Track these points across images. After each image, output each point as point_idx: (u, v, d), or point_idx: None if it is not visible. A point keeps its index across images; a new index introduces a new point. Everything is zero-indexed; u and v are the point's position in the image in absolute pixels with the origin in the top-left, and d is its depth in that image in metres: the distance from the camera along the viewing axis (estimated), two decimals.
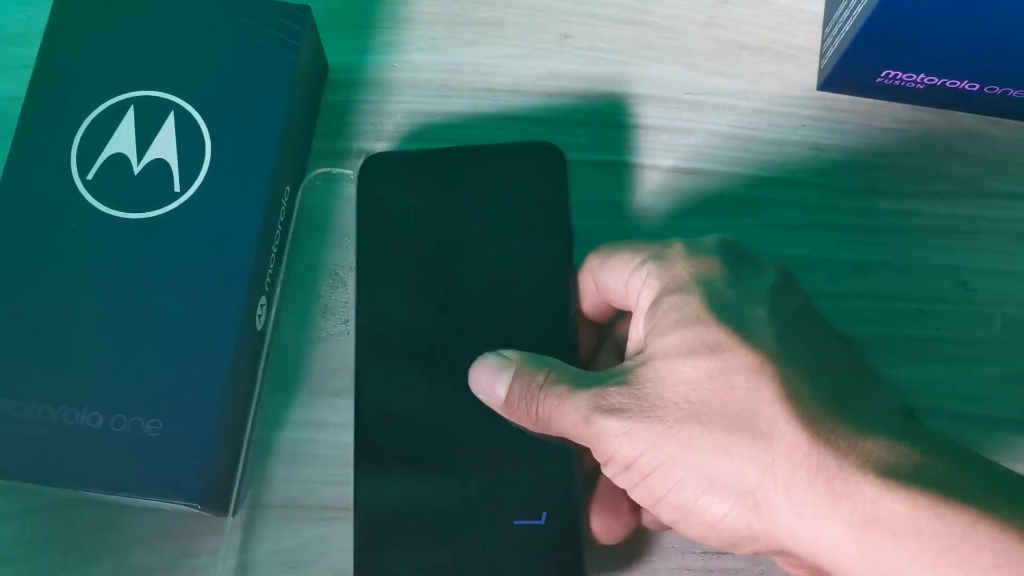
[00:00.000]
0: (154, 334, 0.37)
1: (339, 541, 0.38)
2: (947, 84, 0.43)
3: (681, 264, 0.34)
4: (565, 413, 0.34)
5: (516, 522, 0.37)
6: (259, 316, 0.40)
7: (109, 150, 0.39)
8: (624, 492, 0.34)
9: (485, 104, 0.45)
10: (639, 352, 0.34)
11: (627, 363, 0.34)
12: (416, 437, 0.38)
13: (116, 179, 0.39)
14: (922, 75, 0.43)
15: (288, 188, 0.42)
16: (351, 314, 0.42)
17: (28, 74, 0.40)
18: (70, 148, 0.39)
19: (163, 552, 0.39)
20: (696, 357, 0.32)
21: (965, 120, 0.45)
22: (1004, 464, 0.31)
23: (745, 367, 0.31)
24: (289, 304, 0.42)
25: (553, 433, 0.35)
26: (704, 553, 0.40)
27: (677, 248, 0.35)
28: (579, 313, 0.39)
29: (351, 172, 0.42)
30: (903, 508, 0.28)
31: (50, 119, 0.39)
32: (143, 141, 0.39)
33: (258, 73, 0.40)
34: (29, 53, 0.40)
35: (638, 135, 0.45)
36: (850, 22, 0.42)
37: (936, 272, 0.43)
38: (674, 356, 0.32)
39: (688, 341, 0.32)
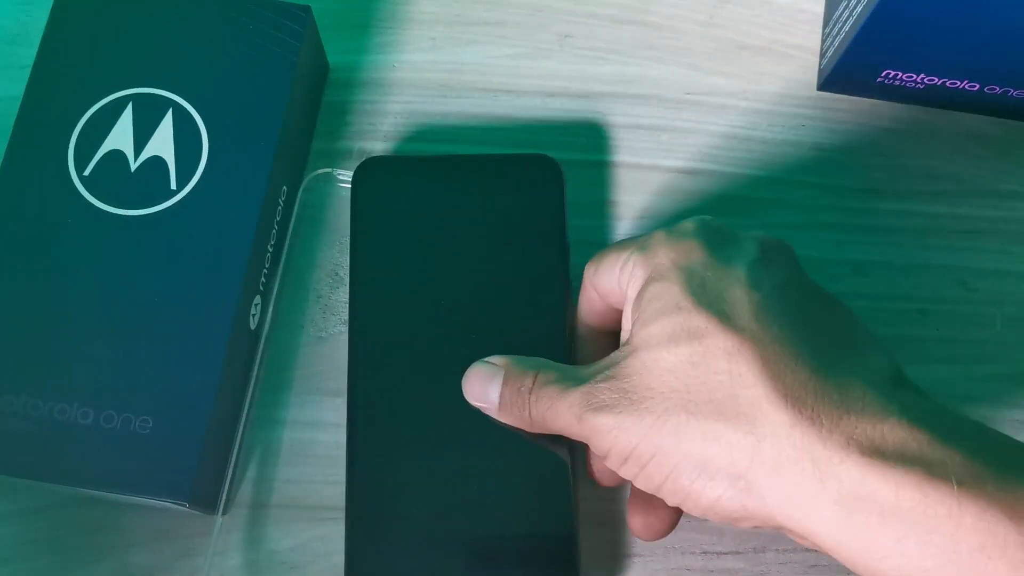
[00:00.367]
0: (147, 331, 0.37)
1: (339, 541, 0.38)
2: (947, 84, 0.43)
3: (662, 252, 0.34)
4: (558, 413, 0.34)
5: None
6: (253, 315, 0.40)
7: (106, 147, 0.39)
8: None
9: (485, 104, 0.45)
10: (627, 343, 0.34)
11: (615, 355, 0.34)
12: (409, 441, 0.38)
13: (113, 176, 0.39)
14: (922, 75, 0.43)
15: (286, 188, 0.42)
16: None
17: (28, 74, 0.40)
18: (67, 143, 0.39)
19: (162, 552, 0.39)
20: (678, 345, 0.32)
21: (965, 120, 0.45)
22: None
23: (725, 351, 0.31)
24: (288, 304, 0.42)
25: (549, 432, 0.35)
26: (704, 553, 0.40)
27: (658, 237, 0.35)
28: (590, 324, 0.39)
29: (350, 173, 0.42)
30: (887, 488, 0.28)
31: (48, 114, 0.39)
32: (140, 138, 0.39)
33: (257, 72, 0.40)
34: (29, 53, 0.41)
35: (638, 135, 0.45)
36: (850, 22, 0.42)
37: (936, 272, 0.43)
38: (657, 345, 0.32)
39: (669, 329, 0.32)
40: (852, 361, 0.32)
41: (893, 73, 0.43)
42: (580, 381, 0.34)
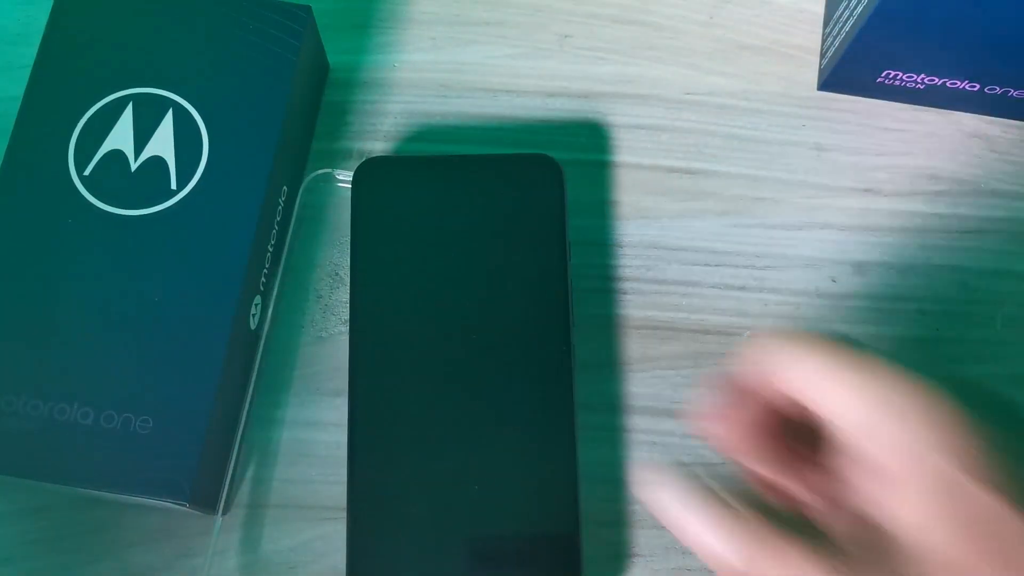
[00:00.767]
0: (147, 331, 0.37)
1: (339, 541, 0.38)
2: (947, 84, 0.43)
3: (920, 414, 0.27)
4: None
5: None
6: (253, 315, 0.40)
7: (107, 146, 0.39)
8: None
9: (485, 104, 0.45)
10: (874, 526, 0.27)
11: (861, 533, 0.27)
12: (411, 440, 0.38)
13: (113, 175, 0.39)
14: (922, 75, 0.43)
15: (286, 188, 0.42)
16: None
17: (28, 74, 0.40)
18: (68, 143, 0.39)
19: (162, 552, 0.39)
20: (964, 533, 0.25)
21: (965, 120, 0.45)
22: None
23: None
24: (288, 304, 0.42)
25: None
26: None
27: (912, 391, 0.27)
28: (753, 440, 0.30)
29: (350, 173, 0.42)
30: None
31: (49, 114, 0.39)
32: (141, 138, 0.39)
33: (258, 72, 0.40)
34: (29, 53, 0.41)
35: (638, 135, 0.45)
36: (850, 22, 0.42)
37: (936, 272, 0.43)
38: (934, 532, 0.26)
39: (950, 512, 0.26)
40: None
41: (893, 73, 0.43)
42: (823, 555, 0.27)
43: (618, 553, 0.40)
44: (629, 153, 0.45)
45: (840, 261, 0.43)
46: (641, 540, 0.40)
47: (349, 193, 0.41)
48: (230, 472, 0.39)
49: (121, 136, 0.39)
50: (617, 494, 0.40)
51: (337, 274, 0.43)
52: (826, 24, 0.46)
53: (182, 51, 0.40)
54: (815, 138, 0.45)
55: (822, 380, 0.28)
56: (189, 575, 0.39)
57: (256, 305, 0.40)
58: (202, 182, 0.39)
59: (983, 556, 0.25)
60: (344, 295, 0.42)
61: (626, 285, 0.43)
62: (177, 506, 0.36)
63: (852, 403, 0.27)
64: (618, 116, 0.45)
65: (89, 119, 0.39)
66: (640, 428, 0.41)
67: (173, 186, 0.39)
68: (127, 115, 0.39)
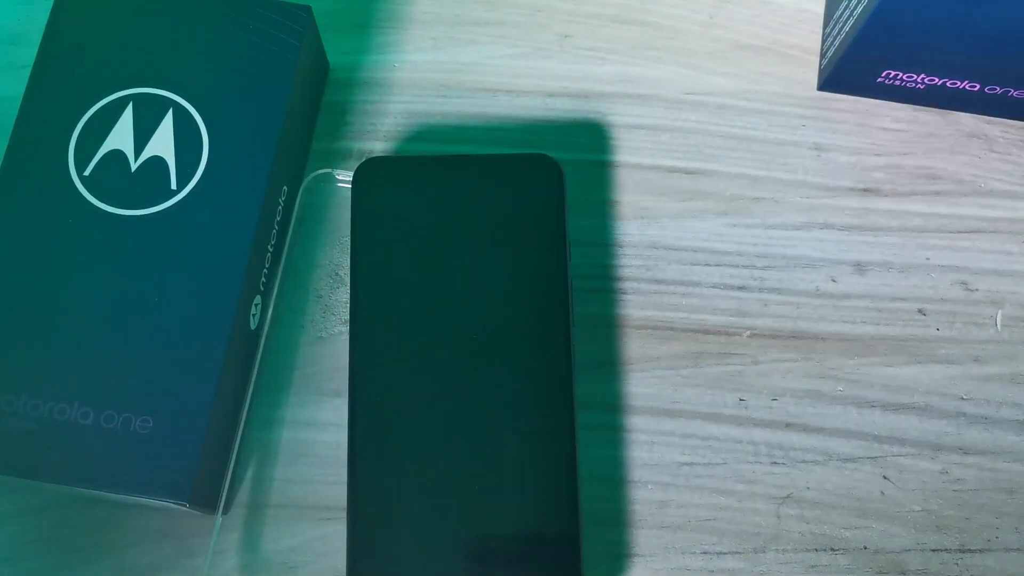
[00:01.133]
0: (147, 331, 0.37)
1: (339, 541, 0.38)
2: (947, 84, 0.43)
3: None
4: None
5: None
6: (253, 315, 0.40)
7: (107, 146, 0.39)
8: None
9: (485, 104, 0.45)
10: None
11: None
12: (411, 440, 0.38)
13: (113, 175, 0.39)
14: (922, 75, 0.43)
15: (286, 188, 0.42)
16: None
17: (28, 74, 0.40)
18: (68, 143, 0.39)
19: (162, 552, 0.39)
20: None
21: (965, 120, 0.45)
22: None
23: None
24: (288, 304, 0.42)
25: None
26: (704, 553, 0.40)
27: None
28: None
29: (350, 173, 0.42)
30: None
31: (49, 114, 0.39)
32: (141, 138, 0.39)
33: (258, 73, 0.40)
34: (29, 53, 0.41)
35: (638, 135, 0.45)
36: (850, 22, 0.42)
37: (936, 272, 0.43)
38: None
39: None
40: None
41: (893, 73, 0.43)
42: None
43: (618, 553, 0.40)
44: (629, 153, 0.45)
45: (840, 261, 0.43)
46: (641, 540, 0.40)
47: (349, 193, 0.41)
48: (230, 472, 0.39)
49: (121, 136, 0.39)
50: (617, 494, 0.40)
51: (337, 274, 0.43)
52: (826, 24, 0.46)
53: (182, 51, 0.40)
54: (815, 138, 0.45)
55: None
56: (189, 575, 0.39)
57: (256, 305, 0.40)
58: (202, 182, 0.39)
59: None
60: (344, 295, 0.42)
61: (626, 285, 0.43)
62: (177, 506, 0.36)
63: None
64: (618, 116, 0.45)
65: (89, 119, 0.39)
66: (640, 428, 0.41)
67: (173, 186, 0.39)
68: (127, 115, 0.39)
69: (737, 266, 0.43)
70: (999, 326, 0.43)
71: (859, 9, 0.41)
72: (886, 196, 0.44)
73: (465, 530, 0.37)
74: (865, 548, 0.40)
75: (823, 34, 0.46)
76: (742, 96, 0.45)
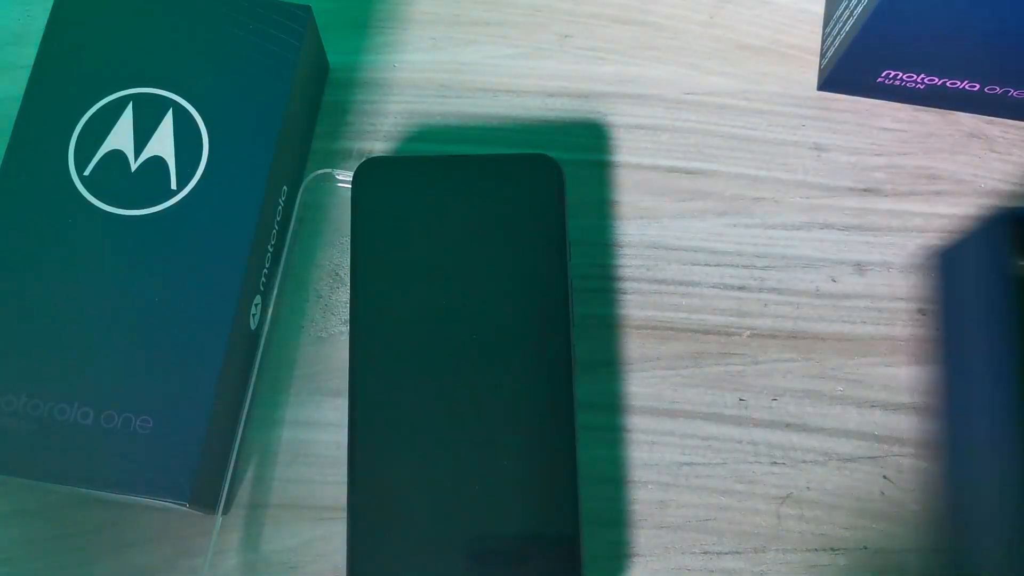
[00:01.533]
0: (147, 331, 0.37)
1: (339, 541, 0.38)
2: (947, 84, 0.43)
3: None
4: None
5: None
6: (253, 315, 0.40)
7: (107, 147, 0.39)
8: None
9: (485, 104, 0.45)
10: None
11: None
12: (411, 440, 0.38)
13: (113, 175, 0.39)
14: (922, 75, 0.43)
15: (286, 188, 0.42)
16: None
17: (28, 74, 0.40)
18: (67, 143, 0.39)
19: (162, 552, 0.39)
20: None
21: (965, 120, 0.45)
22: None
23: None
24: (288, 304, 0.42)
25: None
26: (704, 553, 0.40)
27: None
28: None
29: (350, 173, 0.42)
30: None
31: (49, 114, 0.39)
32: (141, 138, 0.39)
33: (257, 72, 0.40)
34: (29, 53, 0.41)
35: (638, 135, 0.45)
36: (850, 22, 0.42)
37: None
38: None
39: None
40: None
41: (893, 73, 0.43)
42: None
43: (618, 553, 0.40)
44: (629, 153, 0.45)
45: (840, 261, 0.43)
46: (641, 540, 0.40)
47: (349, 193, 0.41)
48: (230, 472, 0.39)
49: (121, 136, 0.39)
50: (617, 494, 0.40)
51: (337, 274, 0.43)
52: (826, 24, 0.46)
53: (182, 51, 0.40)
54: (815, 138, 0.45)
55: None
56: (189, 575, 0.39)
57: (256, 305, 0.40)
58: (202, 182, 0.39)
59: None
60: (344, 295, 0.42)
61: (626, 285, 0.43)
62: (177, 506, 0.36)
63: None
64: (618, 116, 0.45)
65: (89, 119, 0.39)
66: (640, 428, 0.41)
67: (173, 186, 0.39)
68: (127, 115, 0.39)
69: (737, 266, 0.43)
70: None
71: (859, 9, 0.41)
72: (886, 196, 0.44)
73: (465, 530, 0.37)
74: (865, 548, 0.40)
75: (823, 34, 0.46)
76: (742, 96, 0.45)
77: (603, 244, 0.43)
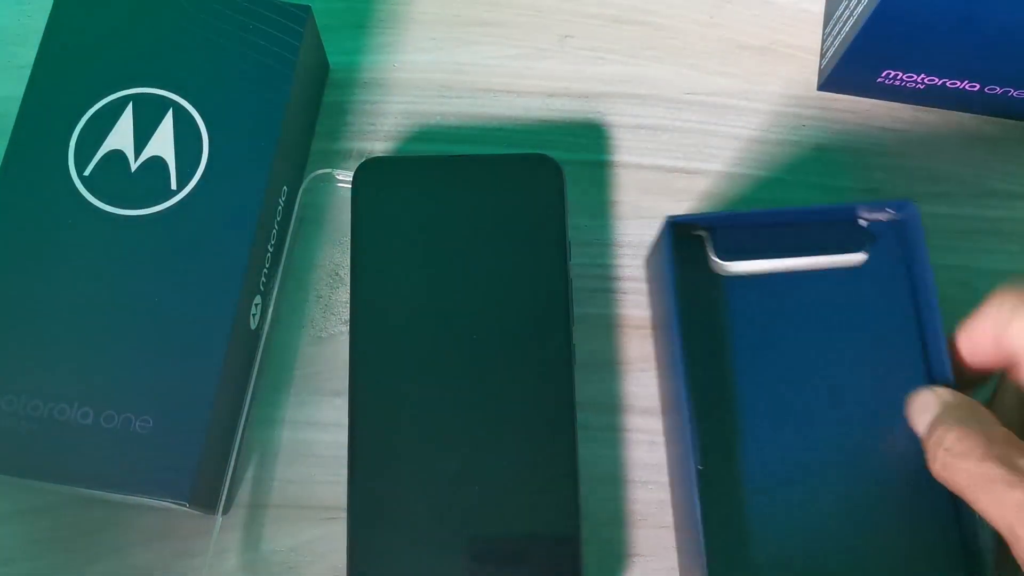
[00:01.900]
0: (147, 331, 0.37)
1: (339, 541, 0.38)
2: (947, 84, 0.43)
3: None
4: (982, 494, 0.31)
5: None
6: (253, 315, 0.40)
7: (107, 147, 0.39)
8: None
9: (485, 104, 0.45)
10: None
11: None
12: (411, 440, 0.38)
13: (113, 175, 0.39)
14: (922, 75, 0.43)
15: (286, 188, 0.42)
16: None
17: (28, 74, 0.40)
18: (67, 143, 0.39)
19: (162, 552, 0.39)
20: None
21: (965, 120, 0.45)
22: None
23: None
24: (288, 304, 0.42)
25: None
26: None
27: None
28: (962, 366, 0.36)
29: (350, 174, 0.42)
30: None
31: (49, 114, 0.39)
32: (141, 138, 0.39)
33: (257, 73, 0.40)
34: (29, 53, 0.41)
35: (638, 135, 0.45)
36: (850, 22, 0.42)
37: (936, 272, 0.43)
38: None
39: None
40: None
41: (893, 73, 0.43)
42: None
43: (618, 553, 0.40)
44: (629, 153, 0.45)
45: None
46: (641, 540, 0.40)
47: (349, 193, 0.41)
48: (230, 472, 0.39)
49: (121, 136, 0.39)
50: (617, 494, 0.40)
51: (337, 274, 0.43)
52: (826, 24, 0.46)
53: (182, 51, 0.40)
54: (815, 138, 0.45)
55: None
56: (189, 575, 0.39)
57: (256, 305, 0.40)
58: (202, 182, 0.39)
59: None
60: (344, 295, 0.42)
61: (626, 285, 0.43)
62: (177, 506, 0.36)
63: None
64: (618, 116, 0.45)
65: (89, 119, 0.39)
66: (640, 428, 0.41)
67: (173, 186, 0.39)
68: (127, 115, 0.39)
69: None
70: None
71: (859, 9, 0.41)
72: (886, 196, 0.44)
73: (465, 530, 0.37)
74: None
75: (823, 34, 0.46)
76: (742, 96, 0.45)
77: (603, 244, 0.43)
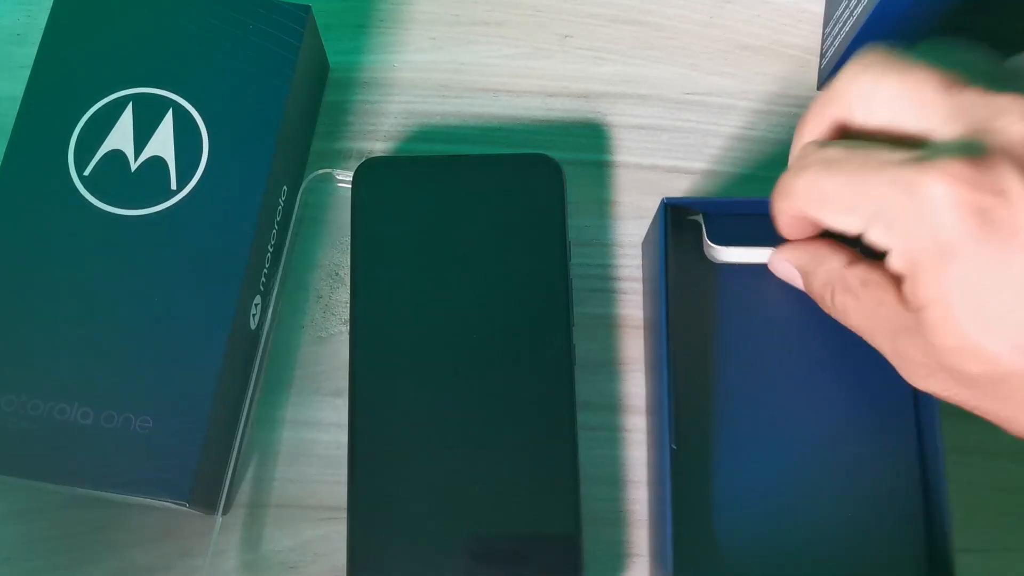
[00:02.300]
0: (147, 331, 0.37)
1: (339, 541, 0.38)
2: None
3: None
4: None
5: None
6: (253, 315, 0.40)
7: (107, 147, 0.39)
8: None
9: (485, 104, 0.45)
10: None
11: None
12: (411, 440, 0.38)
13: (113, 175, 0.39)
14: None
15: (286, 188, 0.42)
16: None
17: (28, 74, 0.40)
18: (67, 143, 0.39)
19: (163, 552, 0.39)
20: None
21: None
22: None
23: None
24: (288, 304, 0.42)
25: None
26: None
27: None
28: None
29: (350, 174, 0.42)
30: None
31: (48, 114, 0.39)
32: (141, 138, 0.39)
33: (257, 72, 0.40)
34: (29, 53, 0.41)
35: (638, 135, 0.45)
36: (850, 22, 0.42)
37: None
38: None
39: None
40: None
41: None
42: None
43: (618, 553, 0.40)
44: (629, 153, 0.45)
45: None
46: (641, 540, 0.40)
47: (349, 193, 0.41)
48: (230, 472, 0.39)
49: (121, 136, 0.39)
50: (617, 494, 0.40)
51: (337, 274, 0.43)
52: (826, 24, 0.46)
53: (182, 51, 0.40)
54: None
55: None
56: (189, 575, 0.39)
57: (256, 305, 0.40)
58: (202, 182, 0.39)
59: None
60: (344, 295, 0.42)
61: (626, 285, 0.43)
62: (177, 506, 0.36)
63: None
64: (618, 116, 0.45)
65: (89, 119, 0.39)
66: (640, 428, 0.41)
67: (173, 186, 0.39)
68: (127, 115, 0.39)
69: None
70: None
71: (859, 9, 0.41)
72: None
73: (465, 530, 0.37)
74: None
75: (823, 34, 0.46)
76: (742, 96, 0.45)
77: (603, 244, 0.43)
